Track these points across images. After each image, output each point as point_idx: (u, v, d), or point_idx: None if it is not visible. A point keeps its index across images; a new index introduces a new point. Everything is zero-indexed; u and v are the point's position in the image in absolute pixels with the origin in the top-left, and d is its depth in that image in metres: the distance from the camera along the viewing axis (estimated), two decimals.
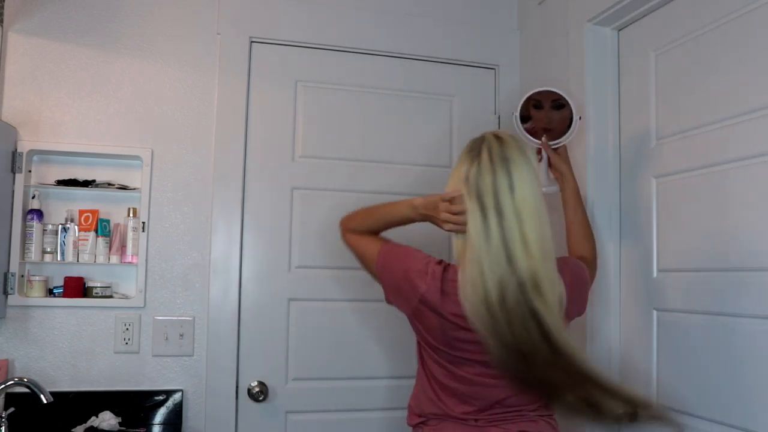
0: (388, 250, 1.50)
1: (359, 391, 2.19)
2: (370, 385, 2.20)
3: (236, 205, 2.13)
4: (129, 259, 2.04)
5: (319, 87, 2.25)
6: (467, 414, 1.43)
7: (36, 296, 1.95)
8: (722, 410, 1.52)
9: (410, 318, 1.47)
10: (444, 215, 1.41)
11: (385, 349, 2.22)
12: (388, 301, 1.51)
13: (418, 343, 1.52)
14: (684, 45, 1.70)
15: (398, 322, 2.23)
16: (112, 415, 1.94)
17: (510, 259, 1.29)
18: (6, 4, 1.98)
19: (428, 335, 1.44)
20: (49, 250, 1.98)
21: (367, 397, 2.19)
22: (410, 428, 1.55)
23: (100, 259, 2.01)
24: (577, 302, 1.46)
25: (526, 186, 1.33)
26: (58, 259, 1.99)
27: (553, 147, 1.72)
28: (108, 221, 2.04)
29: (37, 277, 1.96)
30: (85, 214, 2.01)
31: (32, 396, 1.71)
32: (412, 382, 1.50)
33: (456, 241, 1.42)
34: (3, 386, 1.72)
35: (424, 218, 1.49)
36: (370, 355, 2.20)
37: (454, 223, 1.39)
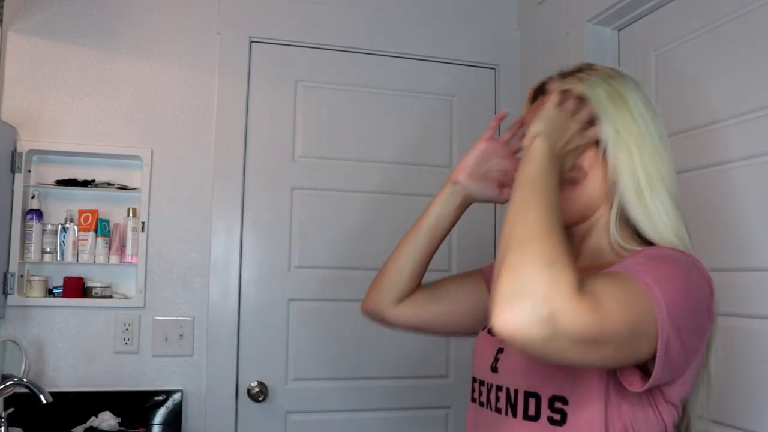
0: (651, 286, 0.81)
1: (359, 391, 2.19)
2: (370, 385, 2.19)
3: (236, 205, 2.13)
4: (128, 259, 2.04)
5: (319, 87, 2.25)
6: None
7: (35, 296, 1.95)
8: (722, 410, 1.52)
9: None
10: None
11: (384, 349, 2.22)
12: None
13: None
14: (684, 45, 1.70)
15: None
16: (111, 415, 1.94)
17: None
18: (6, 4, 1.98)
19: None
20: (48, 250, 1.98)
21: (367, 397, 2.18)
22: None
23: (100, 259, 2.01)
24: None
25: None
26: (58, 259, 1.99)
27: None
28: (107, 221, 2.04)
29: (36, 277, 1.96)
30: (85, 214, 2.01)
31: (32, 396, 1.71)
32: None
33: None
34: (3, 386, 1.72)
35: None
36: (370, 355, 2.20)
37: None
